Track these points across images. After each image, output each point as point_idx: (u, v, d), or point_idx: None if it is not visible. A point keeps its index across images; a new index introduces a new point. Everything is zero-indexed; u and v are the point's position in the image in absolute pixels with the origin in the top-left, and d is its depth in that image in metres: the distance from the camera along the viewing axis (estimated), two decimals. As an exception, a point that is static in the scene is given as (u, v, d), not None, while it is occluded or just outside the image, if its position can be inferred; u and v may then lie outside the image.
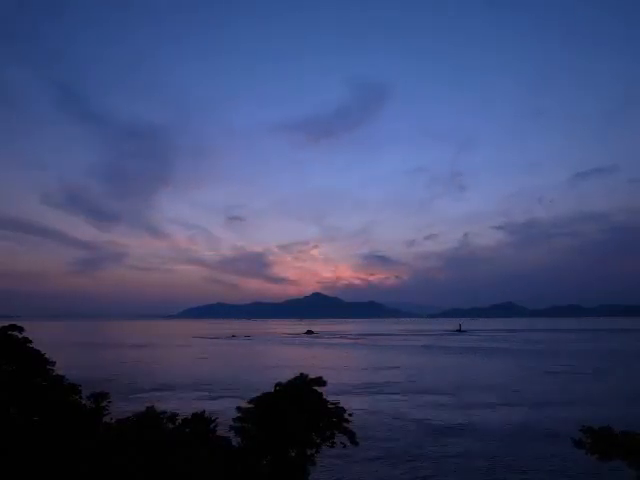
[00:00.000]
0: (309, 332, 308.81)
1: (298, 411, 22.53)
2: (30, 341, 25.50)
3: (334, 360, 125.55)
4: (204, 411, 23.85)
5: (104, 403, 24.55)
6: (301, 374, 24.86)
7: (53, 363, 25.36)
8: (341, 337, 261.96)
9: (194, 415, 23.28)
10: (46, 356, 25.57)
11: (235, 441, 22.61)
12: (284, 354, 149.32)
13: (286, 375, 25.33)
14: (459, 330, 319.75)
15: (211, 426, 23.01)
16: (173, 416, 22.95)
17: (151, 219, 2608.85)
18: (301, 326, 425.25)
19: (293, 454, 22.19)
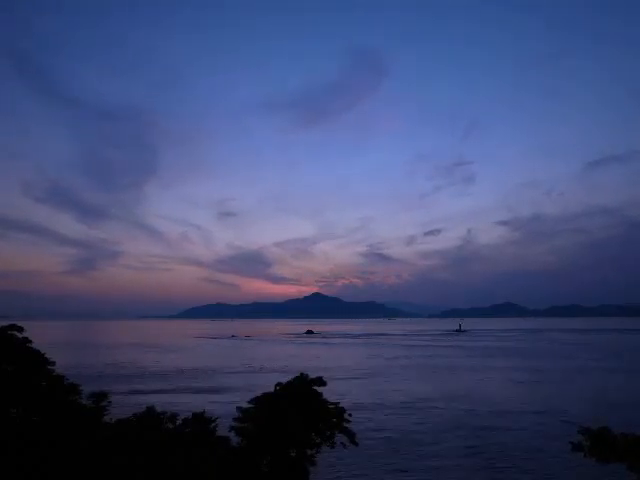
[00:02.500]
0: (309, 332, 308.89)
1: (298, 411, 22.53)
2: (30, 341, 25.44)
3: (335, 360, 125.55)
4: (204, 411, 23.83)
5: (104, 403, 24.51)
6: (301, 374, 24.86)
7: (53, 363, 25.30)
8: (341, 337, 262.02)
9: (194, 415, 23.26)
10: (46, 356, 25.54)
11: (235, 441, 22.60)
12: (284, 354, 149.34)
13: (286, 375, 25.35)
14: (459, 330, 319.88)
15: (211, 426, 22.99)
16: (173, 416, 22.92)
17: (141, 215, 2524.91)
18: (301, 326, 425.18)
19: (293, 454, 22.18)
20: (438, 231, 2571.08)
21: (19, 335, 25.34)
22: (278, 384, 24.36)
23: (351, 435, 22.83)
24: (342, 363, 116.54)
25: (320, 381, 24.29)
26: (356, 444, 22.95)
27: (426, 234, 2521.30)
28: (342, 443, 22.81)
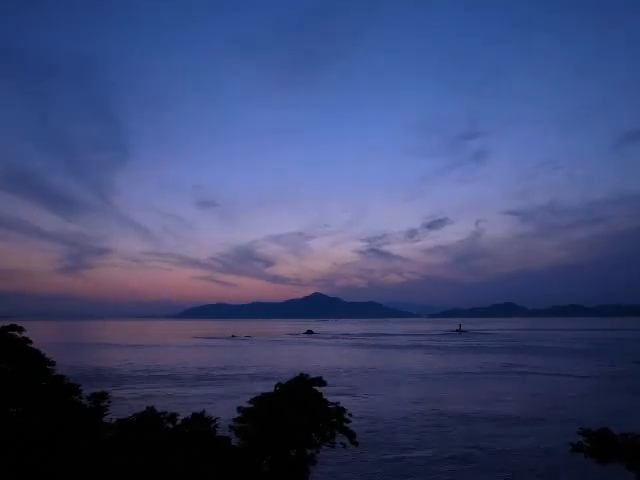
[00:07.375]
0: (309, 332, 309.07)
1: (298, 411, 22.55)
2: (30, 341, 25.47)
3: (335, 360, 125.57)
4: (204, 411, 23.85)
5: (104, 403, 24.53)
6: (301, 374, 24.92)
7: (53, 363, 25.33)
8: (342, 337, 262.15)
9: (194, 415, 23.28)
10: (46, 356, 25.56)
11: (235, 441, 22.62)
12: (284, 354, 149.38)
13: (286, 375, 25.36)
14: (459, 330, 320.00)
15: (211, 426, 23.01)
16: (173, 416, 22.95)
17: (118, 206, 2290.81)
18: (301, 326, 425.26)
19: (293, 454, 22.21)
20: (442, 222, 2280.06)
21: (19, 335, 25.38)
22: (278, 384, 24.40)
23: (351, 435, 22.86)
24: (342, 363, 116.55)
25: (320, 381, 24.34)
26: (356, 444, 22.98)
27: (429, 226, 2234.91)
28: (342, 443, 22.85)
